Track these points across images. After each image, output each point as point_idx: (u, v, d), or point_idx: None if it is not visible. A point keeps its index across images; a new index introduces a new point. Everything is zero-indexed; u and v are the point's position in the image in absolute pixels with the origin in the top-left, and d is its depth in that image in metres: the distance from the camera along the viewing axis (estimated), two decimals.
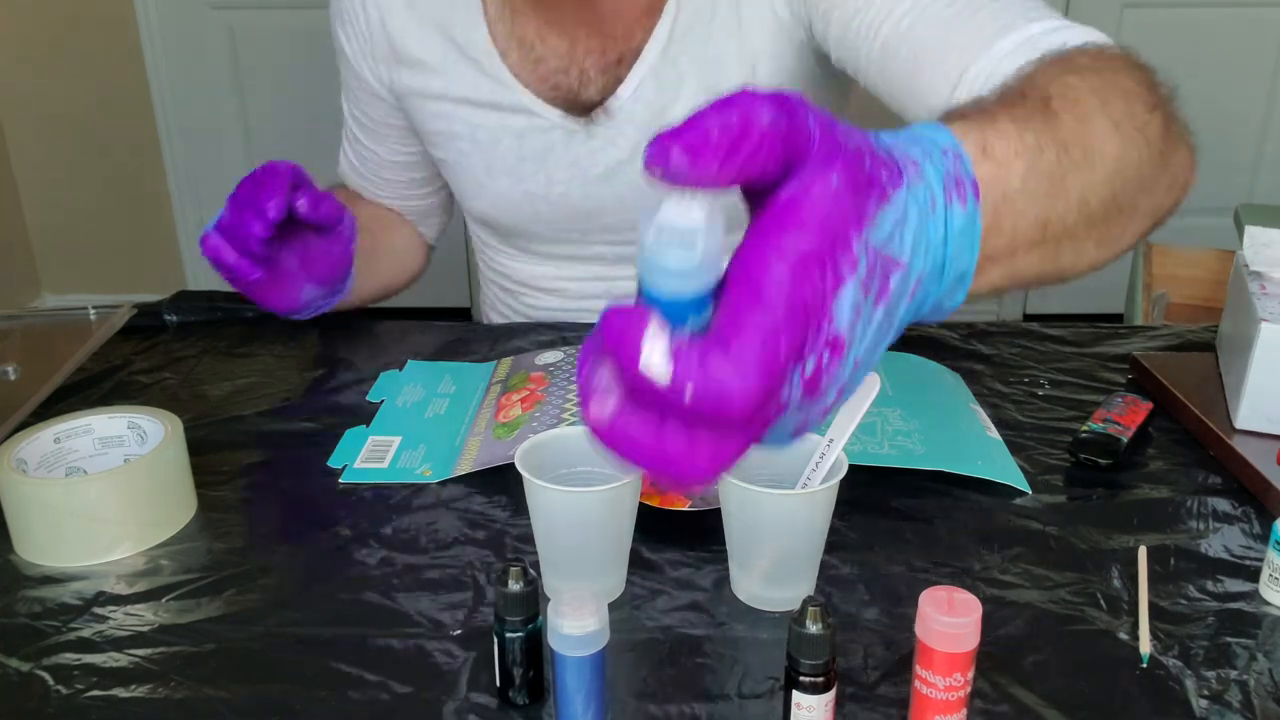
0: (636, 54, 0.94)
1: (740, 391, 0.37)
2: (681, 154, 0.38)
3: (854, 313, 0.41)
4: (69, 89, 2.73)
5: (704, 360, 0.37)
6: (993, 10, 0.77)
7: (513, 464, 0.77)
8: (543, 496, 0.61)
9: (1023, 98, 0.60)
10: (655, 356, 0.37)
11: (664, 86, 0.95)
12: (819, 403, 0.42)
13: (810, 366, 0.40)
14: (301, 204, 0.88)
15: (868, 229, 0.41)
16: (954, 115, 0.55)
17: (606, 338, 0.38)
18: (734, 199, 0.41)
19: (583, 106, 0.97)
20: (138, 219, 2.87)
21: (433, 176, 1.13)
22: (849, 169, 0.41)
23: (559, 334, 1.00)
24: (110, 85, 2.73)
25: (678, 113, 0.95)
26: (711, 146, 0.38)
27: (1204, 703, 0.56)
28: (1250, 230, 0.85)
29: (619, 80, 0.95)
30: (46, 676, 0.59)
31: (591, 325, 0.39)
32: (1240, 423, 0.79)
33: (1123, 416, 0.80)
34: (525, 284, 1.10)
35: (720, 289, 0.39)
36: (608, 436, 0.39)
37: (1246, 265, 0.85)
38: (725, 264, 0.40)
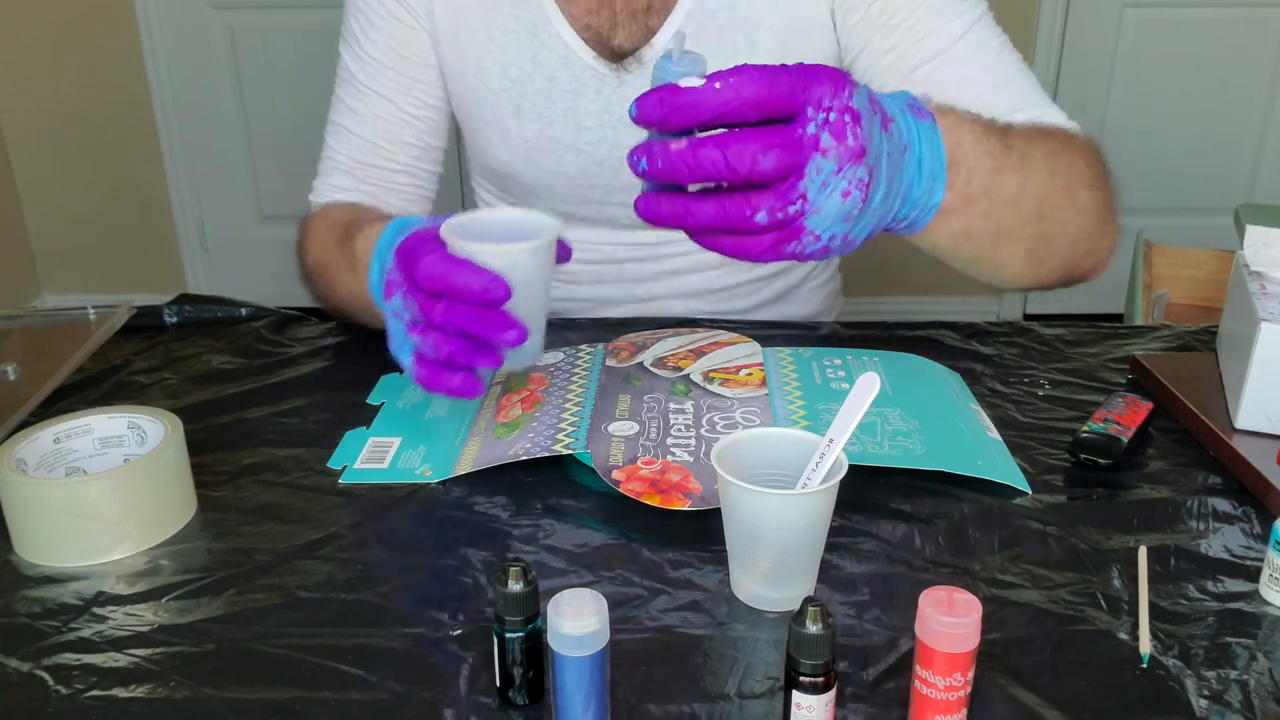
0: (667, 5, 0.94)
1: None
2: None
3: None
4: (69, 89, 2.73)
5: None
6: (1022, 84, 0.91)
7: (513, 464, 0.77)
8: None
9: (989, 124, 0.75)
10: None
11: (702, 40, 0.94)
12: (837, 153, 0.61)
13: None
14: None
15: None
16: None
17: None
18: None
19: (613, 52, 0.96)
20: (138, 219, 2.87)
21: (438, 152, 1.06)
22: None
23: (559, 334, 1.00)
24: (110, 85, 2.73)
25: (718, 66, 0.94)
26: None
27: (1204, 703, 0.56)
28: (1250, 230, 0.85)
29: (650, 30, 0.95)
30: (46, 676, 0.59)
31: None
32: (1240, 423, 0.79)
33: (1123, 416, 0.80)
34: None
35: None
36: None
37: (1246, 265, 0.85)
38: None
